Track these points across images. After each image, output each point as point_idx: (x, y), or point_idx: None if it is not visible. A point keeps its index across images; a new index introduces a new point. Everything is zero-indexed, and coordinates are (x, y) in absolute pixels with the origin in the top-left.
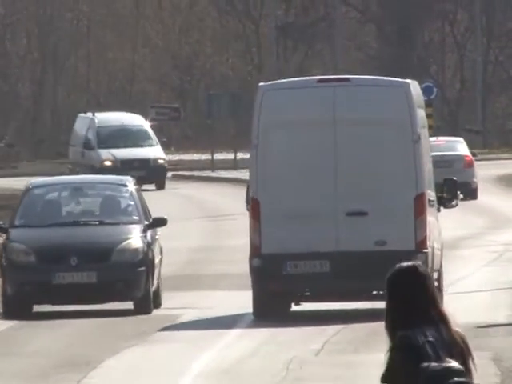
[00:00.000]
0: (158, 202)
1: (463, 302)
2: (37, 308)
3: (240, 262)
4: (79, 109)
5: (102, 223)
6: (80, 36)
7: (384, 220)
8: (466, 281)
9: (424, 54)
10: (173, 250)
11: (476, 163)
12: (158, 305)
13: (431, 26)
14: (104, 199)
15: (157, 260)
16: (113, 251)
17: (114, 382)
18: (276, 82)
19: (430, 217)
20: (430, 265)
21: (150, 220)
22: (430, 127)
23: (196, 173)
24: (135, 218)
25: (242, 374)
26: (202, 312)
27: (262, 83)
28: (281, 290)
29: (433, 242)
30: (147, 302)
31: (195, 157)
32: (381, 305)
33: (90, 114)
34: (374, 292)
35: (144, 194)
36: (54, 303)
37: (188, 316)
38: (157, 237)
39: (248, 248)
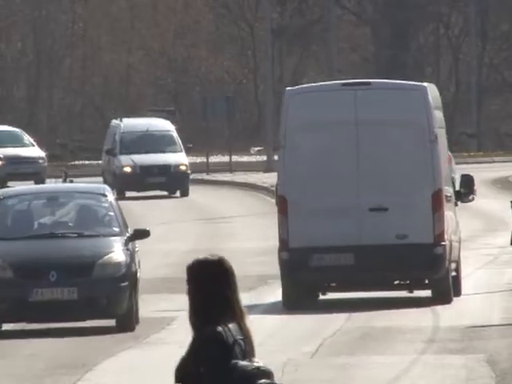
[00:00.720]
0: (153, 205)
1: (458, 304)
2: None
3: (235, 265)
4: (74, 111)
5: (80, 235)
6: (75, 38)
7: (404, 215)
8: (461, 283)
9: (419, 57)
10: (168, 252)
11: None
12: (136, 321)
13: (426, 29)
14: (82, 209)
15: (138, 274)
16: (94, 265)
17: None
18: (302, 86)
19: (448, 211)
20: (448, 256)
21: (130, 232)
22: None
23: (191, 175)
24: (116, 229)
25: None
26: None
27: (288, 87)
28: (308, 282)
29: (450, 235)
30: (130, 319)
31: (190, 159)
32: (401, 294)
33: (118, 121)
34: (396, 282)
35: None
36: (30, 321)
37: (184, 318)
38: (136, 249)
39: (243, 250)
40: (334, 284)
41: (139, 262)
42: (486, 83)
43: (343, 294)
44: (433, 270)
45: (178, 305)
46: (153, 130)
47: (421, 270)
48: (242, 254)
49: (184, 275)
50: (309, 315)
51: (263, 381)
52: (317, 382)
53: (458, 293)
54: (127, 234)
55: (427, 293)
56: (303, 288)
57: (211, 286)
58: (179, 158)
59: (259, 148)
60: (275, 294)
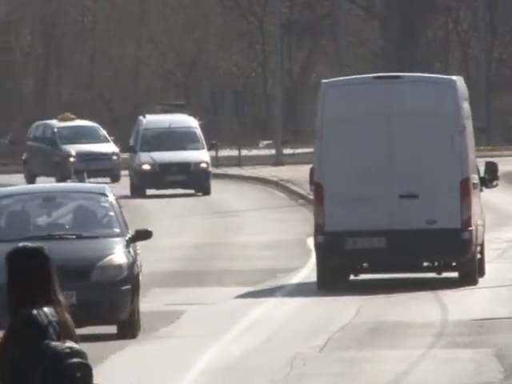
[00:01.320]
0: (161, 198)
1: (466, 298)
2: None
3: (244, 259)
4: (82, 105)
5: (79, 237)
6: (84, 32)
7: (433, 202)
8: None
9: (427, 51)
10: (177, 246)
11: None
12: (139, 327)
13: (435, 23)
14: (81, 210)
15: (140, 277)
16: (94, 268)
17: (118, 378)
18: (336, 79)
19: (474, 198)
20: (474, 241)
21: (131, 233)
22: None
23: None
24: (117, 230)
25: (246, 370)
26: (207, 308)
27: (324, 80)
28: (341, 264)
29: (476, 220)
30: (133, 325)
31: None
32: (430, 275)
33: (142, 117)
34: (425, 264)
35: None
36: None
37: (193, 312)
38: (138, 251)
39: (252, 244)
40: (366, 266)
41: (141, 265)
42: (494, 78)
43: (374, 276)
44: (460, 254)
45: (187, 298)
46: (175, 127)
47: (449, 253)
48: (250, 248)
49: (193, 268)
50: (317, 309)
51: (75, 360)
52: (325, 376)
53: (482, 274)
54: (128, 235)
55: (452, 275)
56: (337, 270)
57: (28, 273)
58: (200, 156)
59: (268, 142)
60: (284, 288)
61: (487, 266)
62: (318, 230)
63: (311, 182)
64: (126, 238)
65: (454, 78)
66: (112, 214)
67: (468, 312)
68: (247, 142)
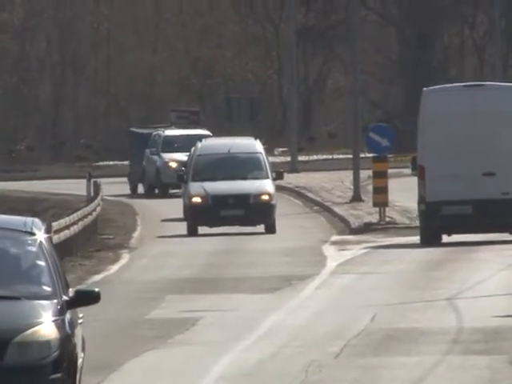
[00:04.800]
0: (178, 205)
1: (480, 305)
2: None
3: (260, 266)
4: (99, 112)
5: None
6: (100, 39)
7: (507, 178)
8: (483, 284)
9: (443, 58)
10: (193, 253)
11: None
12: None
13: (451, 30)
14: None
15: (80, 361)
16: (7, 346)
17: None
18: (434, 87)
19: None
20: None
21: (71, 293)
22: None
23: None
24: (47, 289)
25: (261, 377)
26: (223, 315)
27: (425, 88)
28: (439, 226)
29: None
30: None
31: None
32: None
33: (198, 143)
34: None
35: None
36: None
37: (208, 319)
38: (80, 321)
39: (268, 251)
40: (457, 227)
41: (83, 342)
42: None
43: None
44: None
45: (203, 305)
46: (236, 152)
47: None
48: (266, 255)
49: (209, 275)
50: (332, 316)
51: None
52: (341, 382)
53: None
54: (65, 297)
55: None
56: (435, 230)
57: None
58: (263, 186)
59: (283, 149)
60: (299, 295)
61: (502, 273)
62: (421, 201)
63: (413, 168)
64: (61, 301)
65: None
66: (41, 263)
67: (483, 319)
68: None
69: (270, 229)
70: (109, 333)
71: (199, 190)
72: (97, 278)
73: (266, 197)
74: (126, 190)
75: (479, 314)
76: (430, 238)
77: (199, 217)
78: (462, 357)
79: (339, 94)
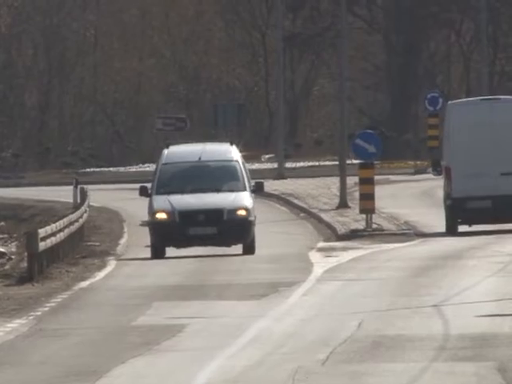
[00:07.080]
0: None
1: (467, 311)
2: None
3: (246, 272)
4: (85, 119)
5: None
6: (86, 46)
7: None
8: (471, 291)
9: (430, 65)
10: (179, 260)
11: None
12: None
13: (437, 37)
14: None
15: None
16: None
17: None
18: (458, 100)
19: None
20: None
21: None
22: (436, 138)
23: None
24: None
25: None
26: (209, 322)
27: (450, 101)
28: (463, 218)
29: None
30: None
31: None
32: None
33: (165, 150)
34: None
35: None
36: None
37: (195, 325)
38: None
39: (254, 257)
40: (478, 219)
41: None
42: (497, 91)
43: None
44: None
45: (190, 312)
46: (207, 160)
47: None
48: (252, 262)
49: (195, 282)
50: (319, 323)
51: None
52: None
53: None
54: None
55: None
56: (459, 221)
57: None
58: (239, 200)
59: (270, 155)
60: (286, 301)
61: (489, 280)
62: (447, 196)
63: (434, 169)
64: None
65: None
66: None
67: (470, 325)
68: (249, 156)
69: (248, 249)
70: (95, 339)
71: (164, 205)
72: (83, 284)
73: (242, 212)
74: (113, 196)
75: (466, 321)
76: (455, 228)
77: (164, 236)
78: (448, 363)
79: (326, 101)
